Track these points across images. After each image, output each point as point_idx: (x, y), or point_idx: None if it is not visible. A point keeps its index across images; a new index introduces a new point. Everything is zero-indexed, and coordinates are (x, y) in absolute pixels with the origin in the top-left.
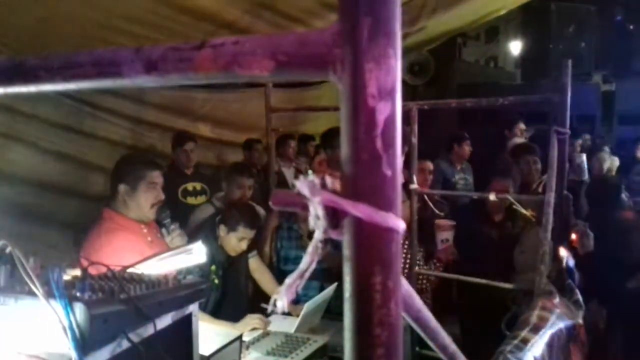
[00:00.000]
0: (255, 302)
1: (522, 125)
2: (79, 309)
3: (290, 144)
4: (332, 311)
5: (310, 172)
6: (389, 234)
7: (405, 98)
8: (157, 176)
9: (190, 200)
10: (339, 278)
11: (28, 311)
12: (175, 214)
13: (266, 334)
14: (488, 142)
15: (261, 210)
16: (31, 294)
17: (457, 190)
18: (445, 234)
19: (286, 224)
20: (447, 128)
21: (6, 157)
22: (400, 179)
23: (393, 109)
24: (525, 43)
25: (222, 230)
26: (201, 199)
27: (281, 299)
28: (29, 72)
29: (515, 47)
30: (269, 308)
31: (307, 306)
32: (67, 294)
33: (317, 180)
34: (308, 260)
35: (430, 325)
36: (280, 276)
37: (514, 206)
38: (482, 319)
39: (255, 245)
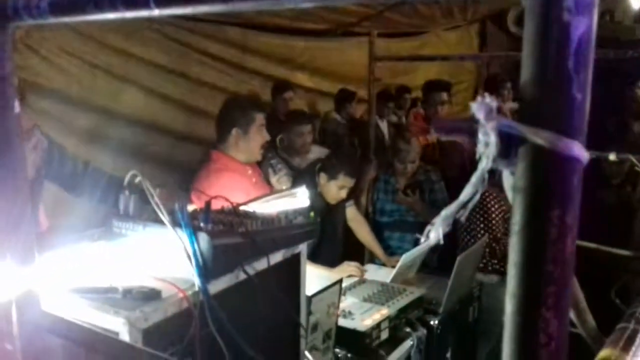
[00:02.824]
0: (350, 250)
1: None
2: (203, 238)
3: (387, 103)
4: (428, 265)
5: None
6: (572, 164)
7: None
8: (263, 118)
9: None
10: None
11: (155, 238)
12: None
13: (362, 281)
14: (599, 100)
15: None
16: (158, 222)
17: None
18: None
19: (383, 177)
20: None
21: (121, 98)
22: (588, 104)
23: (590, 25)
24: None
25: (322, 178)
26: None
27: (436, 230)
28: None
29: None
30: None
31: (403, 258)
32: (192, 224)
33: (494, 104)
34: (470, 191)
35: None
36: (375, 227)
37: (637, 168)
38: (587, 288)
39: (352, 194)
